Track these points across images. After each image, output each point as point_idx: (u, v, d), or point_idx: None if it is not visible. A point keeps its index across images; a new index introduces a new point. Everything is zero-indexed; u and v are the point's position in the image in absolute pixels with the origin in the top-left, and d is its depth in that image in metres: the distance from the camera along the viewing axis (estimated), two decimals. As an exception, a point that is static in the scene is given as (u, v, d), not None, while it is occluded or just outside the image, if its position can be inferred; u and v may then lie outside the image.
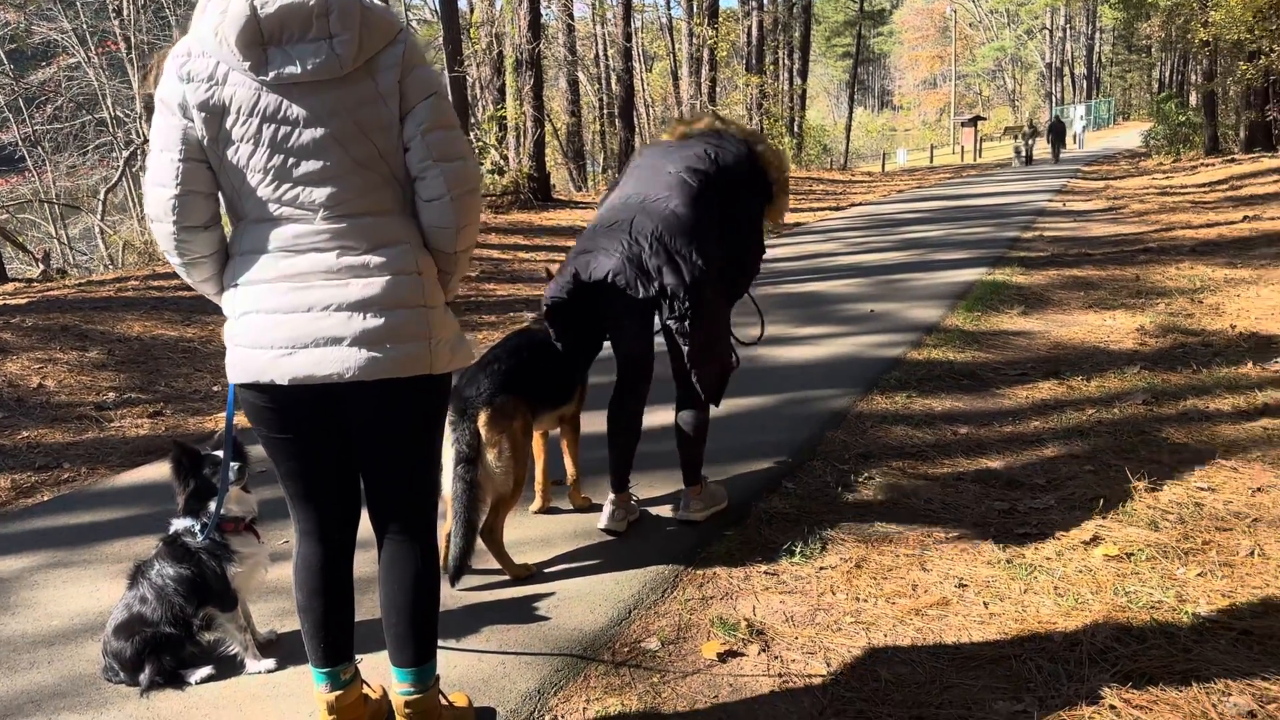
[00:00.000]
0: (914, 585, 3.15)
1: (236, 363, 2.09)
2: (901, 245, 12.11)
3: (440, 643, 2.84)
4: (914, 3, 72.02)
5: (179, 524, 2.71)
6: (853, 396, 5.26)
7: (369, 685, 2.47)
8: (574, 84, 25.44)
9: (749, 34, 33.16)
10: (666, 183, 3.45)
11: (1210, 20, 25.32)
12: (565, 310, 3.51)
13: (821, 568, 3.30)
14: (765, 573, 3.27)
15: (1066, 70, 70.63)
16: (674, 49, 36.86)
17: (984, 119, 53.67)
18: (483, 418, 3.17)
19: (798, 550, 3.40)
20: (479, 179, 2.18)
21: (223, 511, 2.64)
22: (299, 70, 1.96)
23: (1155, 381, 5.34)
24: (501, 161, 18.38)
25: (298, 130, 1.99)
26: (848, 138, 43.55)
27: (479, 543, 3.17)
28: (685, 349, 3.42)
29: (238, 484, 2.68)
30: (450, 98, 2.14)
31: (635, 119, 29.29)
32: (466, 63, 23.32)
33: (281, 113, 1.98)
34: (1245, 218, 12.70)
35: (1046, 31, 69.10)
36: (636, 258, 3.32)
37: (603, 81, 30.75)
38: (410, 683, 2.27)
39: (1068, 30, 68.91)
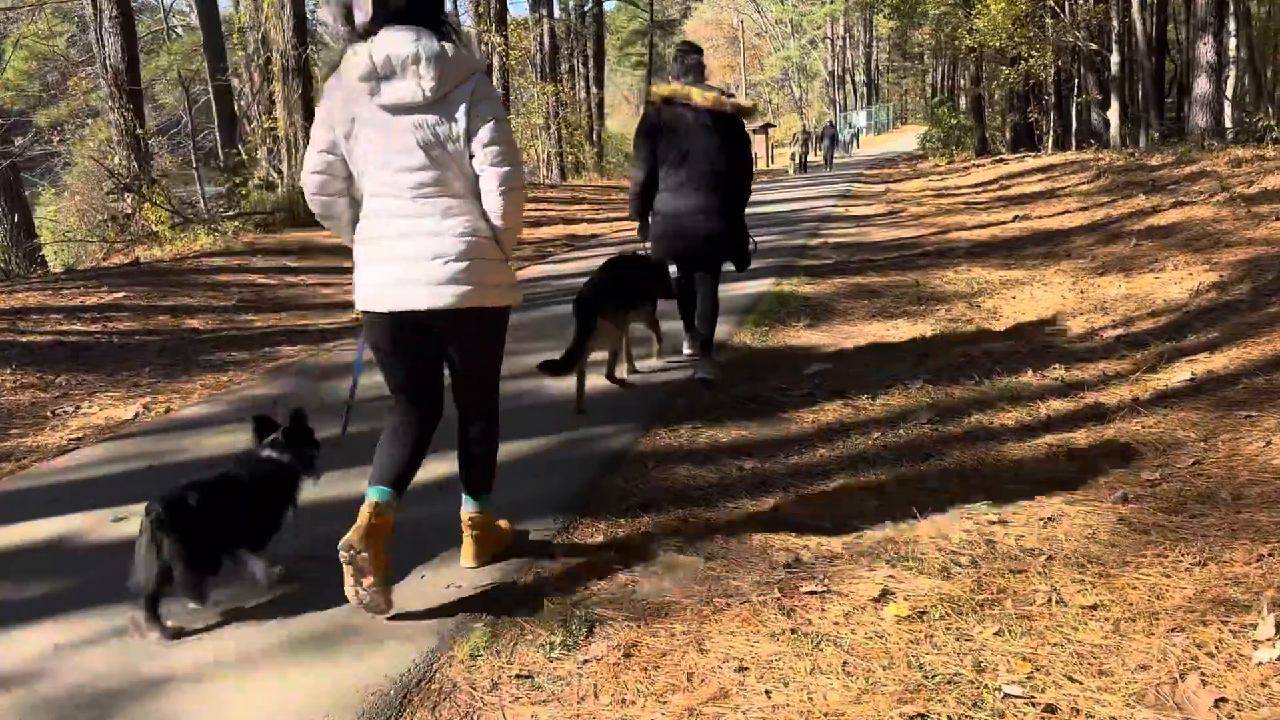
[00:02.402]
0: (689, 675, 2.69)
1: (359, 298, 3.03)
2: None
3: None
4: (703, 14, 73.64)
5: None
6: (635, 433, 4.82)
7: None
8: (357, 93, 24.13)
9: (541, 42, 32.71)
10: None
11: (974, 28, 26.87)
12: None
13: (585, 660, 2.80)
14: (517, 676, 2.73)
15: (848, 78, 74.09)
16: (465, 57, 35.97)
17: (774, 126, 55.34)
18: (600, 314, 5.12)
19: (558, 641, 2.89)
20: (522, 180, 3.07)
21: None
22: (397, 97, 2.88)
23: (939, 397, 5.18)
24: (275, 175, 17.08)
25: (395, 136, 2.91)
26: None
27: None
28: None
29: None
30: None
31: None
32: (234, 70, 21.77)
33: (386, 124, 2.91)
34: (1015, 217, 13.25)
35: (828, 41, 72.30)
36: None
37: (390, 90, 29.47)
38: (474, 506, 3.35)
39: (847, 39, 72.32)
